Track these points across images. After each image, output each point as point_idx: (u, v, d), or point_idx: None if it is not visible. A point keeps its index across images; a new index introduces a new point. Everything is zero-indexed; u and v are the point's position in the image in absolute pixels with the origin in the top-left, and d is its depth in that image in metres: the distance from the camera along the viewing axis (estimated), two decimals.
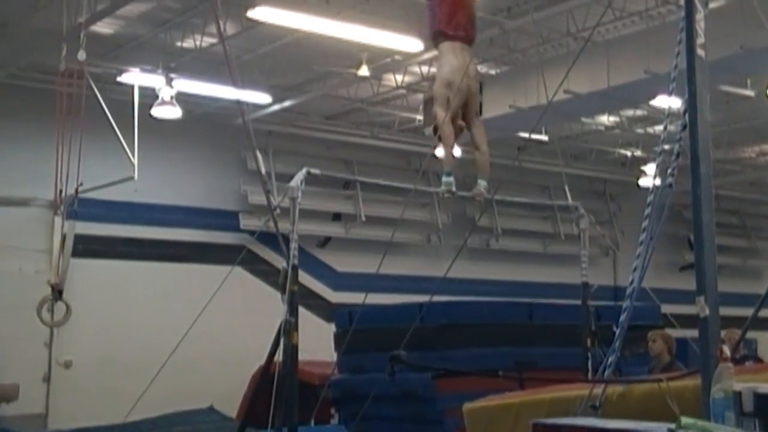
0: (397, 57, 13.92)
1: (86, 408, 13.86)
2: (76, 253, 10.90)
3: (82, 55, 9.99)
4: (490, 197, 7.84)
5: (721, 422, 3.62)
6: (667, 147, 5.22)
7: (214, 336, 14.31)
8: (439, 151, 14.27)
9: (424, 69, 14.55)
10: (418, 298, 9.68)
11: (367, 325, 9.38)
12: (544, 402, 4.95)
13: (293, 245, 6.74)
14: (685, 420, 3.47)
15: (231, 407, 12.26)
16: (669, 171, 5.08)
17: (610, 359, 5.12)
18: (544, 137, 17.19)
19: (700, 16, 4.18)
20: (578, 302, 8.72)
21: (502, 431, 5.12)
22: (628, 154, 19.82)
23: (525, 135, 15.09)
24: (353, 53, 13.71)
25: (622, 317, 5.05)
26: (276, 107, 15.71)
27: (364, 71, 14.02)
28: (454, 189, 7.67)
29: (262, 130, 16.15)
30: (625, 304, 5.05)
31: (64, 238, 9.42)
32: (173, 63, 13.78)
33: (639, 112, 17.03)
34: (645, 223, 5.02)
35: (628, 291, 5.04)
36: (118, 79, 13.82)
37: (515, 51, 13.86)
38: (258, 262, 16.50)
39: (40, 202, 14.31)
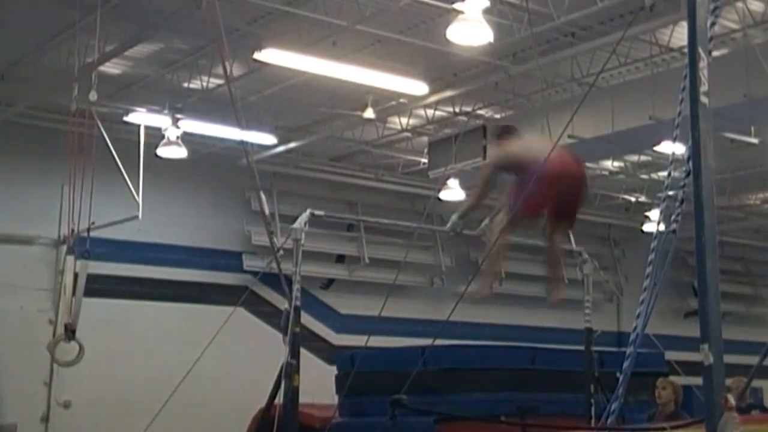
0: (402, 100, 14.00)
1: None
2: None
3: (93, 96, 10.06)
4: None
5: None
6: (671, 193, 5.22)
7: (215, 377, 14.23)
8: (449, 194, 14.25)
9: (429, 112, 14.63)
10: (421, 342, 9.64)
11: (369, 368, 9.33)
12: None
13: (296, 286, 6.72)
14: None
15: None
16: (673, 217, 5.07)
17: (613, 406, 5.07)
18: None
19: (703, 64, 4.20)
20: (581, 348, 8.67)
21: None
22: (632, 199, 19.83)
23: None
24: (359, 96, 13.79)
25: (626, 364, 5.02)
26: (281, 148, 15.77)
27: (369, 114, 14.10)
28: (459, 228, 7.63)
29: (267, 171, 16.19)
30: (629, 350, 5.02)
31: (76, 277, 9.42)
32: (180, 103, 13.87)
33: (643, 158, 17.07)
34: (649, 269, 5.00)
35: (632, 337, 5.01)
36: (125, 118, 13.91)
37: (520, 95, 13.93)
38: (260, 303, 16.46)
39: (44, 241, 14.33)
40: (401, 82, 12.59)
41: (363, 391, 9.45)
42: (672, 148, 5.39)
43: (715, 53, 5.00)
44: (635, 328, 4.99)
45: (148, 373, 14.67)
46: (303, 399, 6.75)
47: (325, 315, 17.82)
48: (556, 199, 6.71)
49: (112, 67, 12.89)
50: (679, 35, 11.50)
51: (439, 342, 8.67)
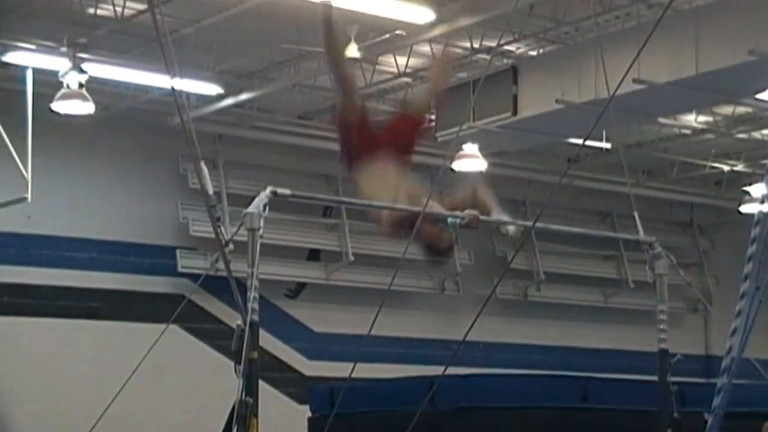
0: (399, 32, 13.96)
1: None
2: None
3: None
4: (521, 232, 7.81)
5: None
6: None
7: (138, 421, 14.24)
8: (466, 164, 14.37)
9: (437, 49, 14.60)
10: (427, 371, 9.65)
11: (355, 408, 9.35)
12: None
13: (252, 294, 6.72)
14: None
15: None
16: None
17: None
18: (604, 144, 17.21)
19: None
20: (654, 378, 8.69)
21: None
22: (725, 168, 19.86)
23: (578, 141, 15.09)
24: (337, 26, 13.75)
25: (717, 400, 5.03)
26: (229, 101, 15.74)
27: (353, 51, 14.05)
28: (475, 212, 7.62)
29: (210, 134, 16.18)
30: (721, 381, 5.03)
31: None
32: (83, 38, 13.80)
33: (741, 110, 17.08)
34: (749, 267, 5.01)
35: (725, 363, 5.02)
36: (4, 58, 13.85)
37: (564, 23, 13.92)
38: (202, 318, 16.46)
39: None
40: (397, 6, 12.56)
41: None
42: None
43: None
44: (729, 350, 5.00)
45: (46, 417, 14.67)
46: None
47: (294, 334, 17.83)
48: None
49: None
50: None
51: (452, 371, 8.68)
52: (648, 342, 9.08)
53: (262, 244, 6.90)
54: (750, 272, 5.04)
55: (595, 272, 20.68)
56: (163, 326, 9.68)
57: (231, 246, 7.07)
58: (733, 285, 5.44)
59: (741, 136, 18.19)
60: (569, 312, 20.22)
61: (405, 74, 15.63)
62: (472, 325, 7.74)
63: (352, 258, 17.87)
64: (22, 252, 15.76)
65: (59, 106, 14.12)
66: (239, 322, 6.72)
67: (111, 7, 13.28)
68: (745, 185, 19.90)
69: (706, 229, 22.22)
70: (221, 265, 7.09)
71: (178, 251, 16.92)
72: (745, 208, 19.76)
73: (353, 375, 8.33)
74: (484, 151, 16.14)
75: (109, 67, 14.30)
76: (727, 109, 17.17)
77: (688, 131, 18.14)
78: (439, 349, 16.37)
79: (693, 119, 17.69)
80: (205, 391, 14.82)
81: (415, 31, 13.79)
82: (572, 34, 14.33)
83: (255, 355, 6.66)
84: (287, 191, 7.28)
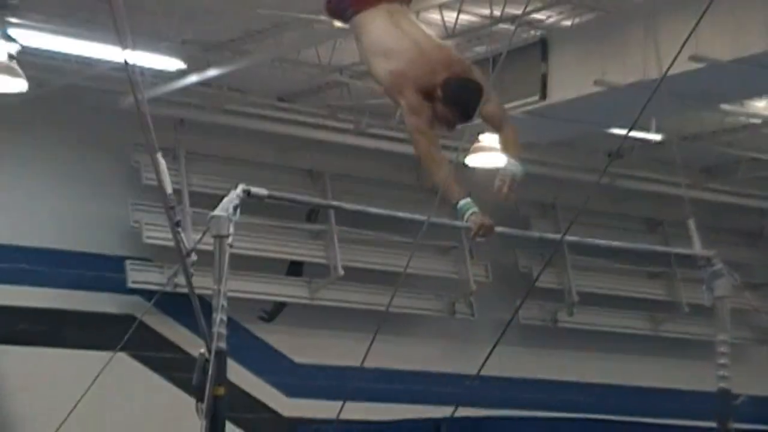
0: None
1: None
2: None
3: None
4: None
5: None
6: None
7: None
8: (483, 158, 14.44)
9: (448, 17, 14.62)
10: (434, 411, 9.67)
11: None
12: None
13: (219, 317, 6.74)
14: None
15: None
16: None
17: None
18: (654, 136, 17.25)
19: None
20: (712, 425, 8.72)
21: None
22: None
23: (621, 132, 15.09)
24: None
25: None
26: (192, 79, 15.77)
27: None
28: (488, 221, 7.63)
29: (170, 118, 16.20)
30: None
31: None
32: None
33: None
34: None
35: None
36: None
37: None
38: (157, 344, 16.49)
39: None
40: None
41: None
42: None
43: None
44: None
45: None
46: None
47: (270, 365, 17.86)
48: None
49: None
50: None
51: (463, 412, 8.72)
52: (705, 379, 9.09)
53: (232, 255, 6.93)
54: None
55: (640, 293, 20.69)
56: (108, 354, 9.73)
57: (193, 257, 7.09)
58: None
59: None
60: (608, 341, 20.23)
61: None
62: (488, 357, 7.77)
63: (341, 272, 17.88)
64: None
65: None
66: (202, 350, 6.75)
67: None
68: None
69: None
70: (181, 279, 7.12)
71: (127, 262, 16.95)
72: None
73: (342, 416, 8.36)
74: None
75: (45, 34, 14.32)
76: None
77: (757, 121, 18.16)
78: (448, 385, 16.28)
79: (763, 106, 17.72)
80: None
81: None
82: (615, 2, 14.36)
83: (221, 390, 6.69)
84: (263, 190, 7.30)
